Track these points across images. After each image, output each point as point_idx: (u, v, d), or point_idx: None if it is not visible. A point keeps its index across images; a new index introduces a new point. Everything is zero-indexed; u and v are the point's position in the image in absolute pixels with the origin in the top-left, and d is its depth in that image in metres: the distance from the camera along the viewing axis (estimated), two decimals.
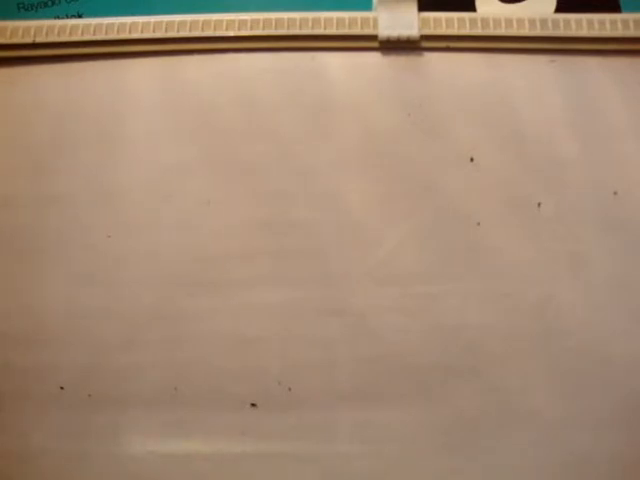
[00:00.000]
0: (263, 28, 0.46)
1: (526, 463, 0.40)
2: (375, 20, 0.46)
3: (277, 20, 0.46)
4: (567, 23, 0.46)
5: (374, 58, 0.46)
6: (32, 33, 0.46)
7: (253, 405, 0.41)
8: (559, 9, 0.49)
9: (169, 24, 0.46)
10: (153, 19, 0.46)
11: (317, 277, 0.43)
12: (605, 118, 0.45)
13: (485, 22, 0.46)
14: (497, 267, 0.43)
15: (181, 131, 0.45)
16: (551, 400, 0.41)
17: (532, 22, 0.46)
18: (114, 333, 0.42)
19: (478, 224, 0.43)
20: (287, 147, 0.45)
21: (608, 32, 0.45)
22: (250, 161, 0.45)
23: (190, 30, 0.46)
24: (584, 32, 0.45)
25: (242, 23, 0.46)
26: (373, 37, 0.46)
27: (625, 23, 0.45)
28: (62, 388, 0.41)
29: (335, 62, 0.46)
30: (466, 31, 0.46)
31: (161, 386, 0.41)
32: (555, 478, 0.40)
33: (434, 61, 0.46)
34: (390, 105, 0.45)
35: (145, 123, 0.45)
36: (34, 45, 0.46)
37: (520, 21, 0.46)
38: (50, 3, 0.53)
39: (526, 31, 0.45)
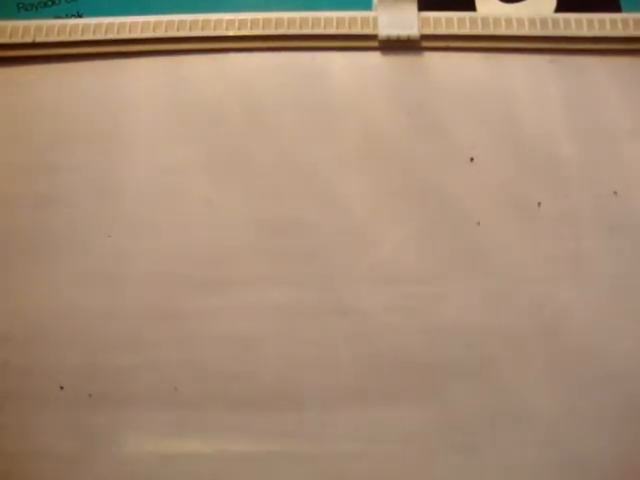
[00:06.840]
0: (263, 28, 0.46)
1: (526, 463, 0.40)
2: (375, 20, 0.46)
3: (277, 20, 0.46)
4: (567, 23, 0.46)
5: (374, 58, 0.46)
6: (32, 33, 0.46)
7: (253, 405, 0.41)
8: (559, 9, 0.49)
9: (169, 24, 0.46)
10: (153, 19, 0.46)
11: (317, 277, 0.43)
12: (605, 118, 0.45)
13: (485, 22, 0.46)
14: (497, 267, 0.43)
15: (181, 131, 0.45)
16: (551, 400, 0.41)
17: (532, 22, 0.46)
18: (114, 333, 0.42)
19: (478, 224, 0.43)
20: (287, 147, 0.45)
21: (608, 32, 0.45)
22: (250, 161, 0.45)
23: (190, 30, 0.46)
24: (584, 32, 0.45)
25: (242, 23, 0.46)
26: (373, 37, 0.46)
27: (625, 23, 0.46)
28: (62, 388, 0.41)
29: (335, 62, 0.46)
30: (466, 31, 0.46)
31: (161, 386, 0.41)
32: (555, 478, 0.40)
33: (434, 61, 0.46)
34: (390, 105, 0.45)
35: (145, 123, 0.45)
36: (34, 45, 0.46)
37: (520, 21, 0.46)
38: (50, 3, 0.53)
39: (526, 31, 0.46)
